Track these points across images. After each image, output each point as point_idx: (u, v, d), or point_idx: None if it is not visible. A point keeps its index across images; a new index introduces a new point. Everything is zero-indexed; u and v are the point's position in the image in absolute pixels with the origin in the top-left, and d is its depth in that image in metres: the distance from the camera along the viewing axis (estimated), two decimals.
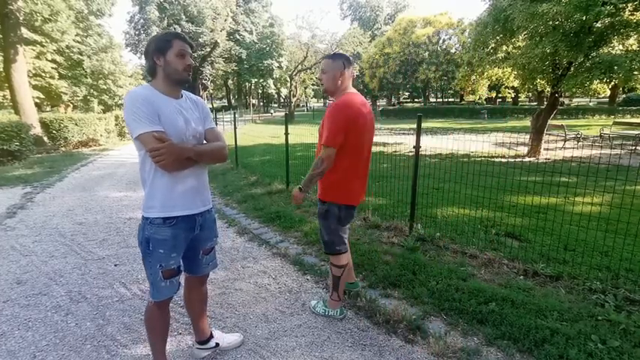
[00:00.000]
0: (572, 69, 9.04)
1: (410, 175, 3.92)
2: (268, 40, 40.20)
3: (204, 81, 34.27)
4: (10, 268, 3.38)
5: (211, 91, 46.12)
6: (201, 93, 33.89)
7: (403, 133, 15.70)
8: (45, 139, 11.90)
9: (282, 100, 58.42)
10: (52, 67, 20.96)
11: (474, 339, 2.26)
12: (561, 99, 10.58)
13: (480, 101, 34.14)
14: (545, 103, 12.34)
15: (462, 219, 4.40)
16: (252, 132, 18.99)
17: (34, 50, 19.24)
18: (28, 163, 9.40)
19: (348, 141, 2.18)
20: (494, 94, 31.48)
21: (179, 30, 29.95)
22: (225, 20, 32.92)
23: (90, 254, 3.71)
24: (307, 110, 51.95)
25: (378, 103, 50.38)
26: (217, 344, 2.19)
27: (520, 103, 38.15)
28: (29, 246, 3.95)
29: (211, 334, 2.19)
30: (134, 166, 9.10)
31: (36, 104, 19.39)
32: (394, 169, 6.71)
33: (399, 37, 37.20)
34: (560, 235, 3.59)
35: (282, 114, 34.24)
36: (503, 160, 9.38)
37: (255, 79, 43.10)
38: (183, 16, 31.17)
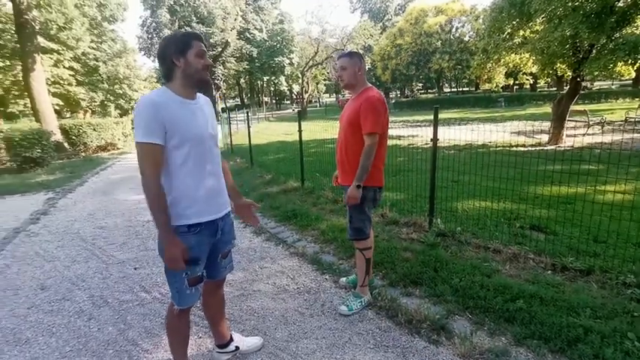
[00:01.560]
0: (594, 51, 8.67)
1: (427, 168, 3.82)
2: (278, 37, 40.16)
3: (216, 81, 34.51)
4: (34, 274, 3.45)
5: (224, 91, 46.47)
6: (214, 93, 34.17)
7: (418, 125, 15.45)
8: (65, 144, 12.20)
9: (295, 97, 58.42)
10: (70, 75, 21.50)
11: (501, 339, 2.16)
12: (583, 83, 10.18)
13: (496, 89, 33.32)
14: (566, 88, 11.91)
15: (483, 212, 4.26)
16: (266, 130, 19.03)
17: (51, 58, 19.75)
18: (50, 169, 9.65)
19: (383, 129, 2.39)
20: (511, 82, 30.62)
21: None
22: (235, 19, 33.00)
23: (111, 258, 3.76)
24: (320, 106, 51.83)
25: (391, 95, 49.80)
26: (237, 348, 2.16)
27: (539, 89, 37.06)
28: (52, 251, 4.03)
29: (231, 337, 2.16)
30: None
31: (56, 111, 19.93)
32: (411, 163, 6.58)
33: (411, 27, 36.61)
34: (590, 227, 3.42)
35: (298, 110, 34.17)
36: (523, 149, 9.10)
37: (267, 77, 43.18)
38: (194, 18, 31.42)
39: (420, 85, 56.38)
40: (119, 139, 14.11)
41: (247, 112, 9.46)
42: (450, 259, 3.11)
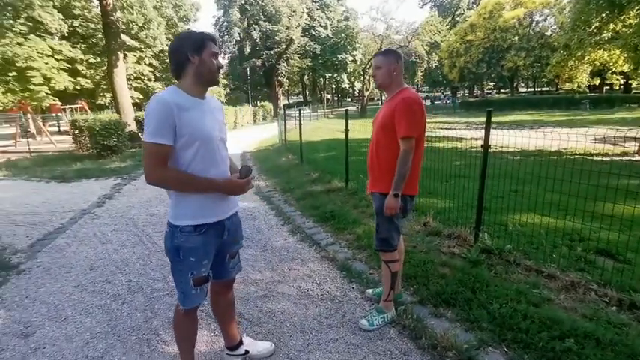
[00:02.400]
0: None
1: (487, 174, 3.48)
2: (343, 34, 40.03)
3: (279, 77, 35.48)
4: (88, 254, 3.76)
5: (287, 87, 47.64)
6: (277, 89, 35.17)
7: (483, 127, 14.38)
8: (140, 135, 13.34)
9: (357, 95, 58.07)
10: (149, 71, 23.51)
11: None
12: None
13: (580, 89, 29.99)
14: None
15: (540, 229, 3.77)
16: (323, 127, 19.09)
17: (135, 56, 21.77)
18: (123, 157, 10.60)
19: (419, 132, 2.23)
20: (597, 81, 27.27)
21: (257, 29, 31.36)
22: (301, 17, 33.57)
23: (154, 245, 3.97)
24: (382, 103, 50.86)
25: (458, 95, 47.31)
26: (247, 351, 2.12)
27: (633, 91, 32.64)
28: (108, 234, 4.37)
29: (241, 340, 2.13)
30: None
31: (137, 104, 21.94)
32: (468, 168, 6.11)
33: (484, 22, 34.30)
34: None
35: (360, 107, 33.97)
36: (605, 158, 8.02)
37: (330, 74, 43.35)
38: (262, 16, 32.56)
39: (492, 84, 52.83)
40: None
41: (299, 110, 9.53)
42: (493, 281, 2.79)
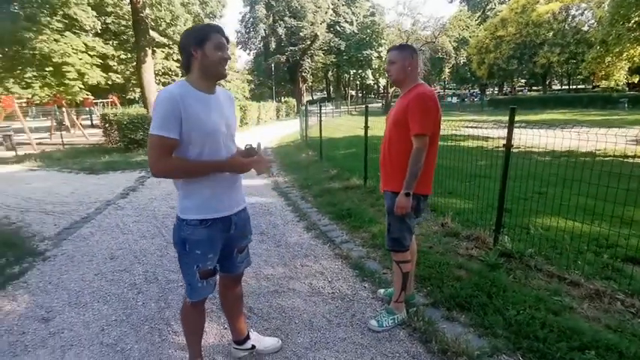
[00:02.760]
0: None
1: (510, 175, 3.35)
2: (368, 30, 39.58)
3: (303, 74, 35.54)
4: (109, 244, 3.89)
5: (310, 84, 47.63)
6: (300, 86, 35.25)
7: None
8: None
9: (381, 91, 57.41)
10: (177, 66, 24.05)
11: None
12: None
13: (619, 88, 28.42)
14: None
15: (564, 234, 3.57)
16: (345, 124, 18.98)
17: (163, 52, 22.33)
18: None
19: (433, 130, 2.16)
20: (637, 79, 25.76)
21: (282, 25, 31.49)
22: (326, 13, 33.48)
23: (172, 237, 4.05)
24: None
25: (487, 92, 45.93)
26: (254, 346, 2.13)
27: None
28: (129, 225, 4.50)
29: (248, 334, 2.14)
30: None
31: None
32: (490, 168, 5.90)
33: (516, 16, 33.08)
34: None
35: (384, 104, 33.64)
36: None
37: (354, 70, 43.04)
38: (287, 12, 32.68)
39: (523, 81, 51.00)
40: None
41: (320, 106, 9.51)
42: (511, 286, 2.68)
